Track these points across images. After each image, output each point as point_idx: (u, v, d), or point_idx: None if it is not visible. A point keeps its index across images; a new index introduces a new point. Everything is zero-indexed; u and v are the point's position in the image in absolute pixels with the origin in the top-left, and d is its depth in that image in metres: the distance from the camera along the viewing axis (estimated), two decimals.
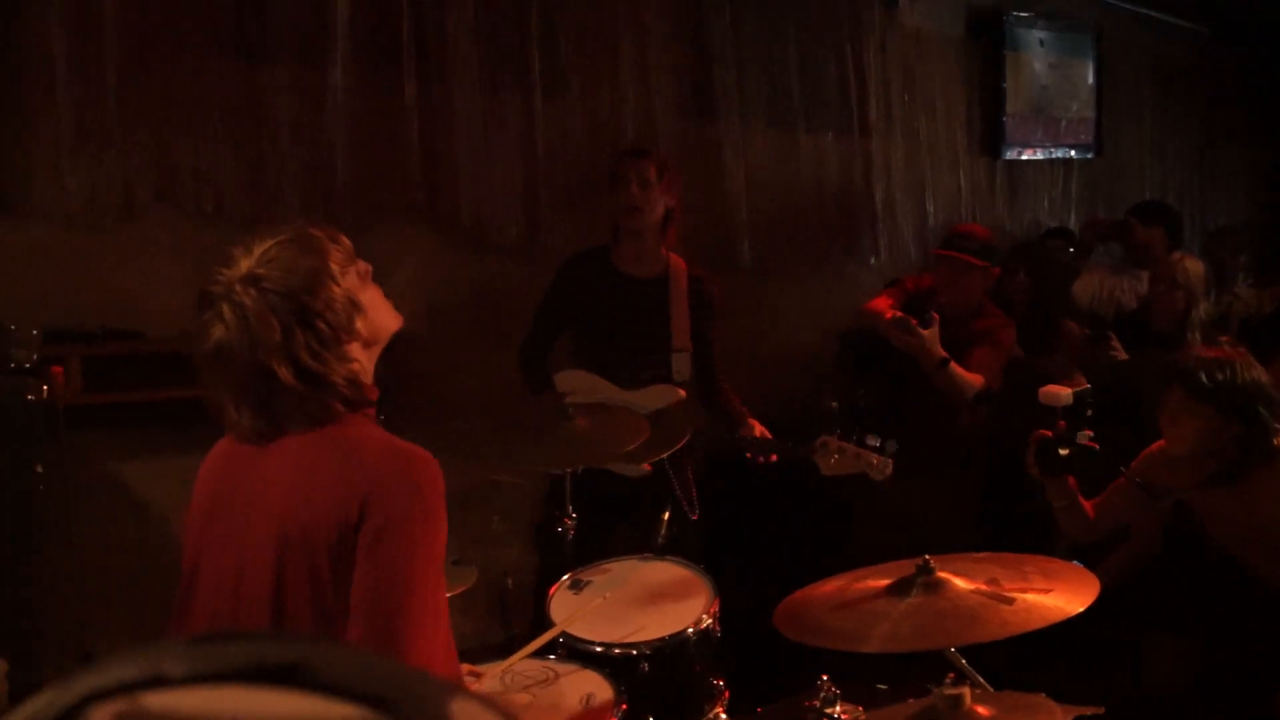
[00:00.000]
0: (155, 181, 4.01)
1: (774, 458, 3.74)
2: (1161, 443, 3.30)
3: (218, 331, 1.81)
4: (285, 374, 1.79)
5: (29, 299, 3.70)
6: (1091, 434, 3.21)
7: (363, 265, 1.97)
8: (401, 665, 0.52)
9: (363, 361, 1.94)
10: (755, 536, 4.84)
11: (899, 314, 4.02)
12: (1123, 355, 4.61)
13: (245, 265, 1.82)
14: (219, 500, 1.96)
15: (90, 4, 3.81)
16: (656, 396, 3.64)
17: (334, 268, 1.87)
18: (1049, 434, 3.23)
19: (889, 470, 3.35)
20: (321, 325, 1.82)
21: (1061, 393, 3.22)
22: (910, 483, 4.21)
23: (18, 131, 3.76)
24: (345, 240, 1.94)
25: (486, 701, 0.52)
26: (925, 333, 3.92)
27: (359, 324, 1.90)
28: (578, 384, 3.65)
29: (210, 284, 1.83)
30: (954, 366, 3.95)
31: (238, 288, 1.80)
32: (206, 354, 1.83)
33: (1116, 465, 3.33)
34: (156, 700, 0.46)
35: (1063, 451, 3.21)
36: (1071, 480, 3.32)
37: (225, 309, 1.80)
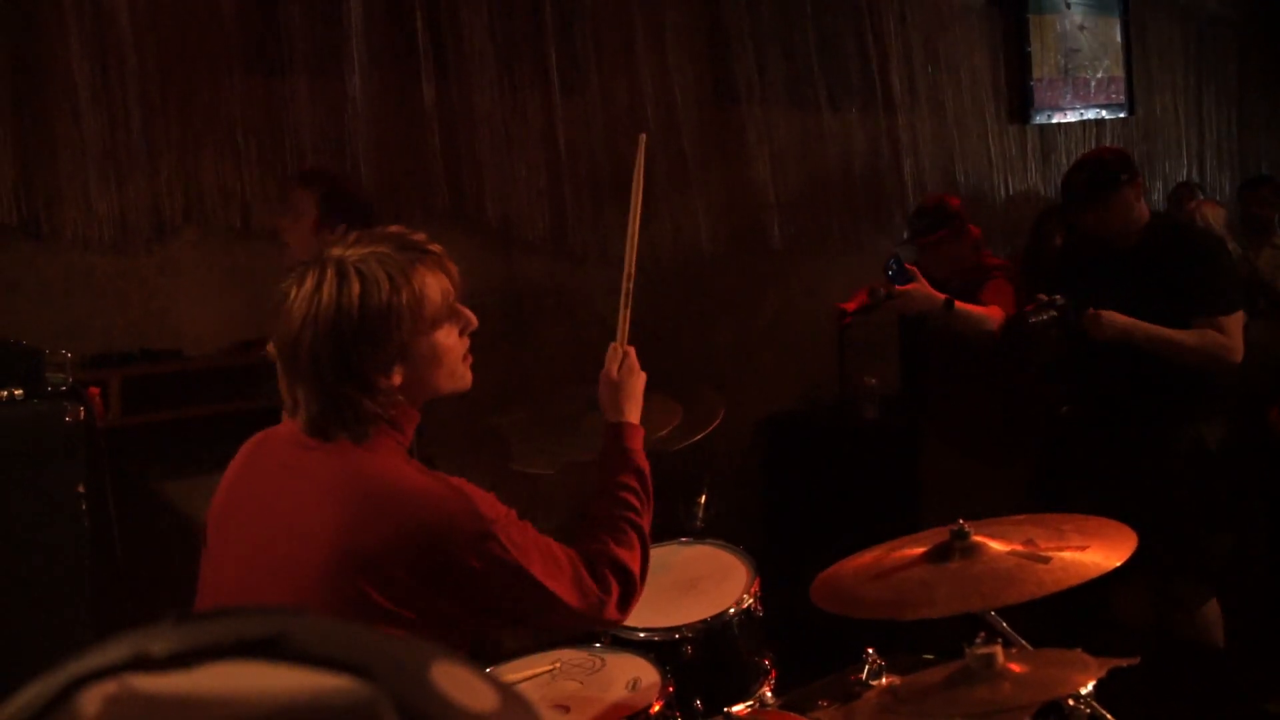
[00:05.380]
0: (183, 201, 4.05)
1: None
2: None
3: (300, 295, 1.82)
4: (338, 344, 1.79)
5: (64, 325, 3.76)
6: None
7: (466, 317, 1.96)
8: (381, 633, 0.52)
9: (404, 390, 1.89)
10: (816, 514, 4.84)
11: (859, 304, 3.96)
12: None
13: (357, 249, 1.84)
14: (235, 504, 1.97)
15: (108, 28, 3.86)
16: None
17: (427, 278, 1.85)
18: None
19: None
20: (383, 317, 1.80)
21: None
22: (969, 462, 4.19)
23: (45, 158, 3.81)
24: (453, 270, 1.94)
25: (468, 664, 0.52)
26: (911, 286, 3.77)
27: (397, 370, 1.85)
28: None
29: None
30: (960, 305, 3.80)
31: (340, 261, 1.82)
32: (283, 320, 1.84)
33: None
34: (144, 681, 0.46)
35: None
36: None
37: (323, 274, 1.82)
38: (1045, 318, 3.53)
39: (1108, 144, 6.91)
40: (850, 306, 4.11)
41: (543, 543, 1.93)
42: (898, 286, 3.75)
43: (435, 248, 1.91)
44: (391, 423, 1.89)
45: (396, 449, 1.91)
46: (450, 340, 1.93)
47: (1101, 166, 3.75)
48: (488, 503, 1.86)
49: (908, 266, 3.80)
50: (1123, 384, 3.77)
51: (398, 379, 1.85)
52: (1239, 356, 3.63)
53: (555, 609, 1.92)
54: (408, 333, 1.83)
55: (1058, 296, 3.58)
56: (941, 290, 3.85)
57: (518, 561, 1.85)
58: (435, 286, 1.86)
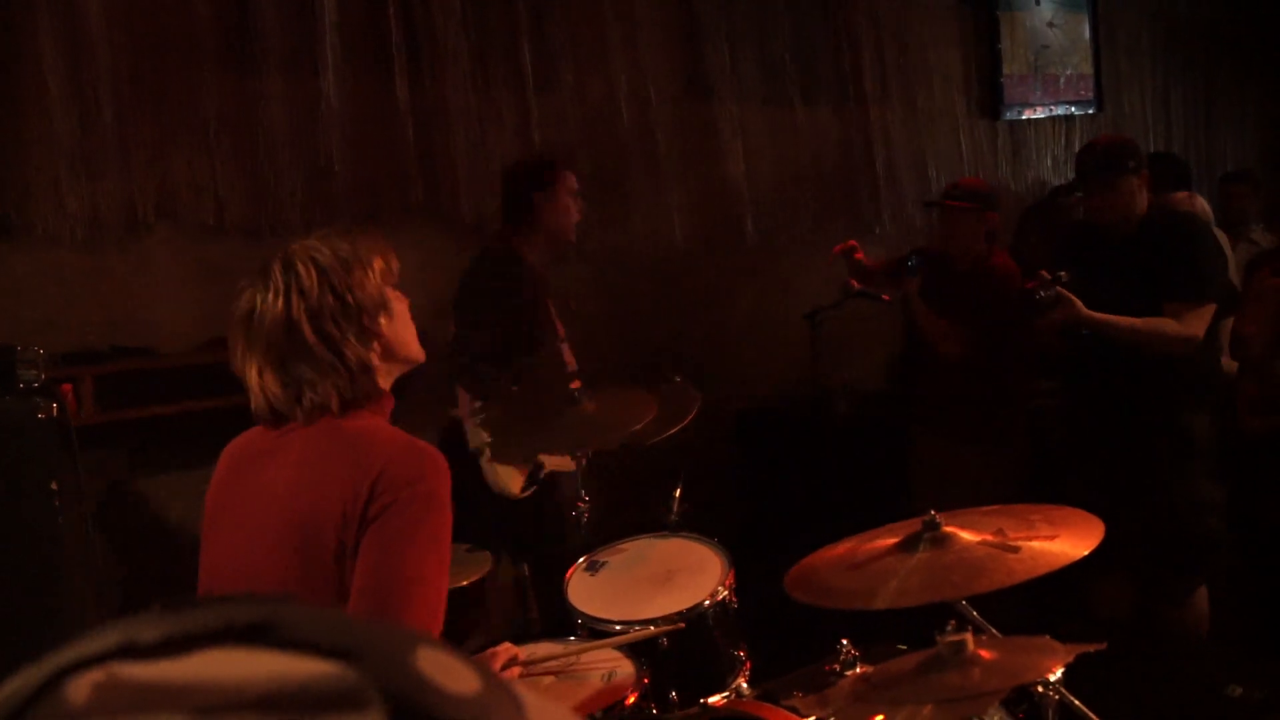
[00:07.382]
0: (156, 198, 4.04)
1: None
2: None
3: (259, 293, 1.90)
4: (307, 330, 1.87)
5: (37, 322, 3.74)
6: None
7: (401, 295, 2.05)
8: (366, 620, 0.53)
9: (379, 366, 1.98)
10: (791, 507, 4.86)
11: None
12: None
13: (297, 244, 1.95)
14: (225, 498, 2.00)
15: (80, 24, 3.84)
16: None
17: (375, 262, 1.97)
18: None
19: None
20: (349, 299, 1.91)
21: None
22: (958, 449, 4.23)
23: (17, 155, 3.79)
24: (395, 260, 2.04)
25: (452, 649, 0.53)
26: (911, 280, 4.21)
27: (382, 321, 1.96)
28: None
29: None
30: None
31: (288, 255, 1.92)
32: (242, 316, 1.91)
33: None
34: (132, 669, 0.46)
35: None
36: None
37: (274, 271, 1.91)
38: (1048, 293, 3.57)
39: (1078, 141, 6.96)
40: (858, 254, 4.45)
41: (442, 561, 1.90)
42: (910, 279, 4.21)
43: (374, 235, 2.03)
44: (360, 399, 1.96)
45: (376, 416, 1.99)
46: (401, 314, 2.03)
47: (1111, 151, 3.83)
48: (438, 469, 1.90)
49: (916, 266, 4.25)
50: (1111, 375, 3.79)
51: (377, 349, 1.96)
52: (1192, 347, 3.65)
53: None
54: (367, 313, 1.95)
55: (1062, 273, 3.62)
56: (949, 268, 4.25)
57: (420, 520, 1.84)
58: (371, 275, 1.97)
